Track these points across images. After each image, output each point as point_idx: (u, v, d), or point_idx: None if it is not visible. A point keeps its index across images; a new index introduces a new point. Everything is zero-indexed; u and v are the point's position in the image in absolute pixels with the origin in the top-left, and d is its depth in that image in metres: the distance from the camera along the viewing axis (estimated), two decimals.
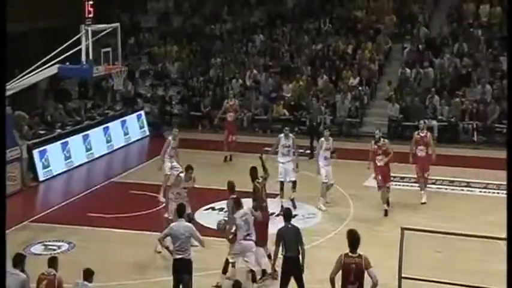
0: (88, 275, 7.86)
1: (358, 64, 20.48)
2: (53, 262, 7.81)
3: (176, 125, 16.69)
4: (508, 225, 6.49)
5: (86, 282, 7.82)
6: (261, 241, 9.99)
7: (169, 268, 9.09)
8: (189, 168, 11.26)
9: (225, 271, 9.77)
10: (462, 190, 14.00)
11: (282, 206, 12.21)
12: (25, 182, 14.50)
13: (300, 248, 8.82)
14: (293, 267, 8.77)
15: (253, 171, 10.84)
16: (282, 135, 13.42)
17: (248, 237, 9.56)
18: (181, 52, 22.24)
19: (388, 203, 12.87)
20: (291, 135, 13.41)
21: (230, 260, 9.76)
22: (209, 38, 22.70)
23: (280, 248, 8.80)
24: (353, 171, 14.50)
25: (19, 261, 7.61)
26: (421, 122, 13.79)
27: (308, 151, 16.84)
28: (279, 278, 9.06)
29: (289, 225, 9.02)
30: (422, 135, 13.26)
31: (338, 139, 18.23)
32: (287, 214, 9.24)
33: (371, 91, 20.06)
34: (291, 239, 8.81)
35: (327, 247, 11.28)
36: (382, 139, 13.00)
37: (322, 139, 13.38)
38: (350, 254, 7.70)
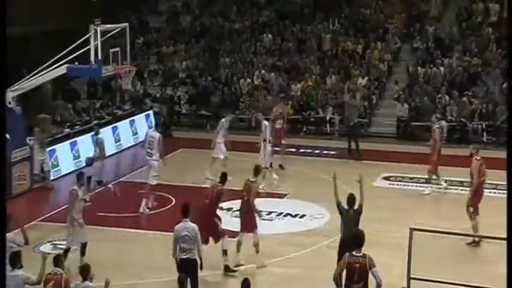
0: (86, 272, 7.60)
1: (367, 64, 20.41)
2: (57, 261, 7.67)
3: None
4: (508, 225, 6.45)
5: (87, 282, 7.59)
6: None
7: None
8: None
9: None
10: (499, 193, 13.85)
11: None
12: (46, 181, 14.58)
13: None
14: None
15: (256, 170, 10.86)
16: (224, 120, 15.06)
17: None
18: (190, 52, 22.25)
19: None
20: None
21: None
22: (218, 37, 22.70)
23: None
24: (362, 171, 14.41)
25: (16, 259, 7.50)
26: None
27: (325, 151, 16.95)
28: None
29: (351, 210, 9.26)
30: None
31: (345, 139, 18.35)
32: (349, 200, 9.43)
33: (380, 91, 19.99)
34: (351, 221, 9.10)
35: (336, 247, 11.17)
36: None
37: (223, 120, 14.89)
38: (354, 253, 7.69)
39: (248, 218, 10.46)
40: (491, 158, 16.20)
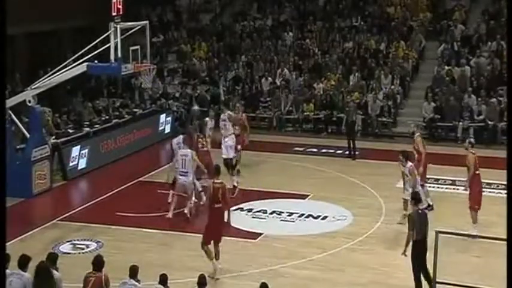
0: (134, 273, 7.70)
1: (391, 62, 20.07)
2: (98, 263, 7.64)
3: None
4: (508, 225, 6.19)
5: (133, 281, 7.66)
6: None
7: (198, 268, 8.94)
8: None
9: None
10: (500, 193, 13.49)
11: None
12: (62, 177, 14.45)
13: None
14: (423, 250, 9.01)
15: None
16: (208, 118, 14.62)
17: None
18: (210, 50, 22.12)
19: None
20: (227, 111, 14.41)
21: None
22: (238, 36, 22.54)
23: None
24: (386, 172, 14.14)
25: (24, 262, 7.46)
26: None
27: (346, 152, 16.57)
28: (415, 262, 9.01)
29: (420, 211, 9.21)
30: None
31: (370, 139, 18.06)
32: (415, 199, 9.33)
33: (404, 90, 19.63)
34: (420, 224, 8.99)
35: (359, 250, 11.00)
36: (415, 135, 12.88)
37: (207, 119, 14.58)
38: None
39: (221, 226, 10.00)
40: None
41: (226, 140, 14.02)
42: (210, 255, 9.83)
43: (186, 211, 12.17)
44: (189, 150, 12.25)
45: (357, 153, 16.48)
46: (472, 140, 12.25)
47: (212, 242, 9.87)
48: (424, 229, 9.04)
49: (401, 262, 9.64)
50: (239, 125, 14.30)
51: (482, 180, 14.09)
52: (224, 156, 13.83)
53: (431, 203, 12.74)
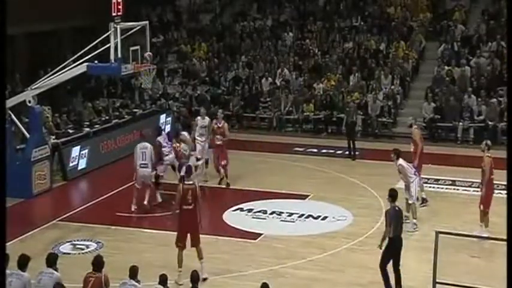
0: (134, 273, 7.71)
1: (391, 63, 20.07)
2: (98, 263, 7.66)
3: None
4: (508, 225, 6.21)
5: (133, 282, 7.66)
6: None
7: (197, 269, 8.90)
8: None
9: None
10: (500, 193, 13.48)
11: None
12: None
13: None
14: (397, 248, 9.15)
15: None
16: (199, 117, 14.44)
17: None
18: (210, 50, 22.12)
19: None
20: (206, 117, 14.42)
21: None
22: (238, 36, 22.54)
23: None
24: (386, 173, 14.13)
25: (24, 262, 7.49)
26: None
27: (346, 152, 16.58)
28: (385, 257, 9.16)
29: (396, 208, 9.28)
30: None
31: (370, 139, 18.06)
32: (392, 196, 9.37)
33: (404, 90, 19.62)
34: (397, 221, 9.09)
35: (359, 250, 11.00)
36: (413, 127, 13.05)
37: (198, 117, 14.49)
38: None
39: (192, 227, 9.76)
40: None
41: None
42: (180, 262, 9.67)
43: (145, 202, 12.71)
44: (148, 144, 12.78)
45: (357, 153, 16.49)
46: (489, 142, 12.07)
47: (190, 244, 9.74)
48: (400, 226, 9.16)
49: (401, 262, 9.63)
50: (220, 134, 13.96)
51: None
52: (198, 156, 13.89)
53: (425, 197, 12.79)
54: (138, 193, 12.80)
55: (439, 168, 14.97)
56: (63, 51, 19.43)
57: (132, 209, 12.74)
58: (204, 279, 9.57)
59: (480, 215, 11.40)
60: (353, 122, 17.06)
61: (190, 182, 9.81)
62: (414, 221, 11.85)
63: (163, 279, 7.90)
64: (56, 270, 7.61)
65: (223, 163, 13.97)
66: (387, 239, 9.19)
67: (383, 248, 9.27)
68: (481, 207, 11.38)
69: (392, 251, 9.18)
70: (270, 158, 16.45)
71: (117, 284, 7.78)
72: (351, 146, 16.54)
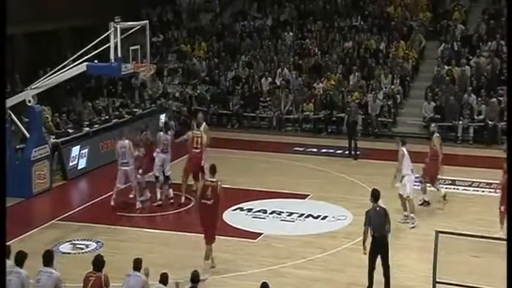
0: (138, 265, 7.77)
1: (391, 62, 20.06)
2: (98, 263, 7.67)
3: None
4: (508, 225, 6.19)
5: (138, 273, 7.70)
6: None
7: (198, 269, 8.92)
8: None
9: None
10: (500, 193, 13.47)
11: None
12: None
13: (386, 229, 9.20)
14: (380, 247, 9.15)
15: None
16: (161, 132, 13.33)
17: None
18: (210, 50, 22.11)
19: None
20: (169, 132, 13.54)
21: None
22: (238, 35, 22.53)
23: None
24: (386, 172, 14.12)
25: (21, 259, 7.51)
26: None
27: (347, 152, 16.57)
28: (368, 257, 9.19)
29: (378, 208, 9.29)
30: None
31: (370, 139, 18.05)
32: (375, 196, 9.40)
33: (404, 90, 19.62)
34: (379, 221, 9.14)
35: (358, 250, 10.96)
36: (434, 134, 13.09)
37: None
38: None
39: (210, 221, 9.83)
40: None
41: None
42: (208, 254, 9.82)
43: (131, 196, 12.83)
44: (126, 141, 12.73)
45: (358, 153, 16.46)
46: None
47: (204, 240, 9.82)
48: (383, 226, 9.15)
49: (402, 262, 9.65)
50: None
51: (482, 180, 14.18)
52: None
53: (427, 199, 12.81)
54: (139, 189, 12.87)
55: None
56: (63, 51, 19.43)
57: (137, 206, 12.74)
58: (203, 280, 9.57)
59: (500, 217, 11.17)
60: (354, 122, 17.06)
61: (213, 179, 9.86)
62: (412, 215, 11.89)
63: (164, 278, 7.91)
64: (55, 269, 7.60)
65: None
66: (371, 237, 9.21)
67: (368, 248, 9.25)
68: (501, 208, 11.14)
69: (376, 249, 9.18)
70: (270, 158, 16.45)
71: (118, 284, 7.79)
72: (352, 145, 16.53)
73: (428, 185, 12.95)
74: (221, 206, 10.11)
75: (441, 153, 12.85)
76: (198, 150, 12.78)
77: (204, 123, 13.78)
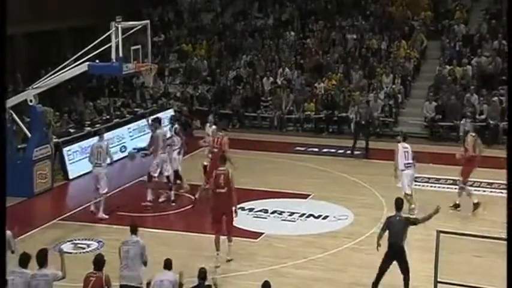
0: (135, 229, 8.18)
1: (393, 62, 20.04)
2: (99, 262, 7.73)
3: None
4: (508, 225, 6.18)
5: (135, 238, 8.01)
6: None
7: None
8: None
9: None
10: (501, 193, 13.48)
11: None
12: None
13: (403, 238, 9.14)
14: (397, 253, 9.14)
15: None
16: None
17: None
18: (211, 49, 22.11)
19: None
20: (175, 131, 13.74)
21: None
22: (240, 35, 22.52)
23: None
24: (387, 172, 14.12)
25: (25, 260, 7.52)
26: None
27: (348, 152, 16.50)
28: (384, 260, 9.20)
29: (398, 217, 9.26)
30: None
31: (371, 139, 18.01)
32: (397, 204, 9.42)
33: (406, 89, 19.60)
34: (398, 228, 9.11)
35: (360, 249, 10.98)
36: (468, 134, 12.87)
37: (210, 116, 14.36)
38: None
39: (224, 209, 10.25)
40: None
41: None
42: (218, 245, 10.11)
43: (160, 200, 12.99)
44: (103, 143, 12.83)
45: (358, 152, 16.34)
46: None
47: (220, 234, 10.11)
48: (401, 235, 9.07)
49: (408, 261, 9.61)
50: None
51: (482, 180, 14.16)
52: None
53: (476, 201, 12.53)
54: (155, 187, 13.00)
55: (439, 168, 14.95)
56: (63, 51, 19.44)
57: (148, 199, 12.84)
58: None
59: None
60: (368, 122, 16.80)
61: (223, 168, 10.28)
62: (413, 206, 11.90)
63: (167, 264, 7.91)
64: (49, 269, 7.54)
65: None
66: (387, 243, 9.18)
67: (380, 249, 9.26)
68: None
69: (392, 254, 9.15)
70: (271, 158, 16.45)
71: (118, 284, 7.77)
72: (356, 144, 16.28)
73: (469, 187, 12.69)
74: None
75: (474, 153, 12.43)
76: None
77: (214, 126, 13.84)
